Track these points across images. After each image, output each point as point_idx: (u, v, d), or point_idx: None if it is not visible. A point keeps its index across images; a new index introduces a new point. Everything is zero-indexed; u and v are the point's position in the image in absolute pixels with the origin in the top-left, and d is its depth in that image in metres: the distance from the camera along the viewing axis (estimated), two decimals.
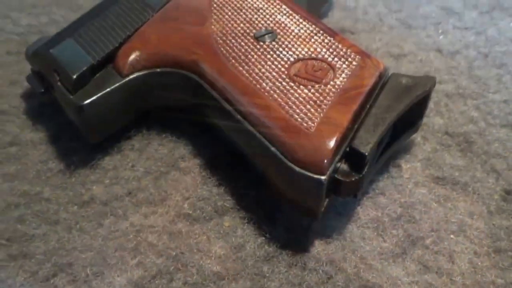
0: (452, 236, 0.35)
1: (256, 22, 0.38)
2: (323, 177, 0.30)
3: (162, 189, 0.37)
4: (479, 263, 0.33)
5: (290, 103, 0.33)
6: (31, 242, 0.34)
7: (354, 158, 0.32)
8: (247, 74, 0.35)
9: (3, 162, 0.38)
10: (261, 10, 0.39)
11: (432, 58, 0.47)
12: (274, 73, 0.35)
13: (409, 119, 0.37)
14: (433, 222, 0.35)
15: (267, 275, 0.33)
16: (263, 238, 0.34)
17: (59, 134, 0.39)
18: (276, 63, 0.35)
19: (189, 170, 0.38)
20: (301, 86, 0.34)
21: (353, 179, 0.31)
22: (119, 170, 0.38)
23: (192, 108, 0.38)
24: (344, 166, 0.32)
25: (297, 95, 0.33)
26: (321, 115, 0.32)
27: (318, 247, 0.34)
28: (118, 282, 0.32)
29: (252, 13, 0.39)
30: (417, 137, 0.40)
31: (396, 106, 0.34)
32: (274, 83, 0.34)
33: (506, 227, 0.35)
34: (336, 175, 0.31)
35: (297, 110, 0.33)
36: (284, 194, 0.33)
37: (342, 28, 0.49)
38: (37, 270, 0.32)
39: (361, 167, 0.32)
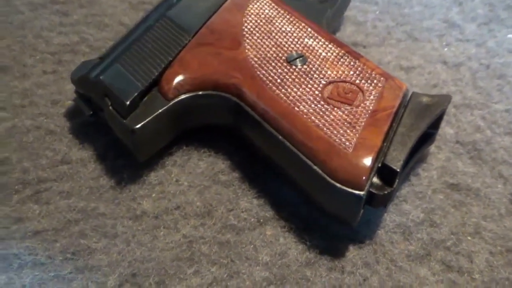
0: (469, 238, 0.39)
1: (286, 45, 0.42)
2: (362, 193, 0.34)
3: (207, 202, 0.40)
4: (495, 262, 0.38)
5: (327, 124, 0.37)
6: (94, 255, 0.37)
7: (386, 173, 0.36)
8: (284, 97, 0.38)
9: (57, 180, 0.41)
10: (289, 34, 0.43)
11: (439, 70, 0.51)
12: (310, 96, 0.38)
13: (427, 131, 0.41)
14: (452, 225, 0.40)
15: (311, 279, 0.36)
16: (303, 245, 0.38)
17: (106, 152, 0.42)
18: (309, 86, 0.39)
19: (229, 184, 0.41)
20: (335, 108, 0.38)
21: (385, 192, 0.36)
22: (165, 185, 0.41)
23: (231, 128, 0.42)
24: (376, 181, 0.36)
25: (332, 117, 0.37)
26: (357, 135, 0.36)
27: (353, 252, 0.38)
28: None
29: (282, 37, 0.42)
30: (432, 147, 0.44)
31: (419, 125, 0.38)
32: (310, 106, 0.38)
33: None
34: (371, 190, 0.35)
35: (335, 132, 0.36)
36: (323, 207, 0.37)
37: (355, 42, 0.53)
38: (105, 281, 0.36)
39: (392, 181, 0.36)
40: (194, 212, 0.39)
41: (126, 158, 0.42)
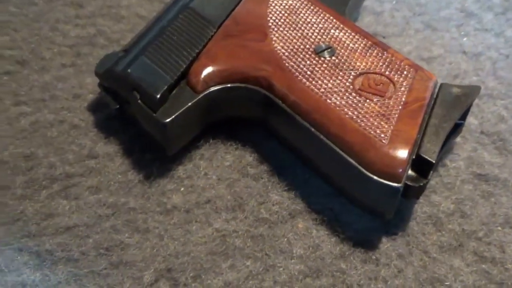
0: (499, 228, 0.39)
1: (313, 37, 0.41)
2: (399, 185, 0.34)
3: (237, 195, 0.40)
4: None
5: (361, 116, 0.37)
6: (127, 250, 0.37)
7: (421, 165, 0.36)
8: (316, 90, 0.38)
9: (85, 175, 0.40)
10: (315, 25, 0.42)
11: (459, 60, 0.51)
12: (341, 88, 0.38)
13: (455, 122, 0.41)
14: (482, 216, 0.40)
15: (346, 271, 0.36)
16: (336, 237, 0.38)
17: (132, 146, 0.42)
18: (340, 77, 0.39)
19: (258, 177, 0.41)
20: (368, 100, 0.38)
21: (421, 184, 0.36)
22: (194, 179, 0.41)
23: (259, 120, 0.41)
24: (411, 173, 0.36)
25: (365, 109, 0.37)
26: (391, 127, 0.36)
27: (386, 244, 0.38)
28: (215, 284, 0.36)
29: (308, 28, 0.42)
30: (457, 137, 0.44)
31: (451, 116, 0.38)
32: (343, 98, 0.38)
33: None
34: (406, 182, 0.35)
35: (369, 124, 0.36)
36: (357, 199, 0.37)
37: (374, 33, 0.53)
38: (141, 276, 0.36)
39: (427, 173, 0.36)
40: (224, 205, 0.39)
41: (152, 151, 0.42)
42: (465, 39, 0.53)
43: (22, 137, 0.42)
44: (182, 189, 0.40)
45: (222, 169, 0.41)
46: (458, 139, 0.44)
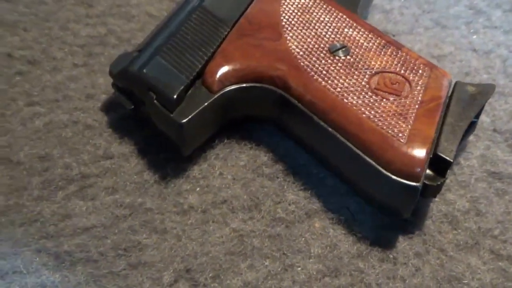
0: None
1: (327, 36, 0.41)
2: (418, 184, 0.34)
3: (253, 195, 0.40)
4: None
5: (378, 116, 0.37)
6: (146, 251, 0.37)
7: (439, 164, 0.36)
8: (332, 89, 0.38)
9: (101, 175, 0.40)
10: (328, 24, 0.42)
11: (469, 58, 0.51)
12: (357, 87, 0.38)
13: None
14: (497, 214, 0.40)
15: (364, 270, 0.37)
16: (353, 236, 0.38)
17: (146, 146, 0.42)
18: (355, 77, 0.39)
19: (274, 176, 0.41)
20: (384, 99, 0.38)
21: (438, 182, 0.36)
22: (209, 179, 0.41)
23: (274, 119, 0.41)
24: (429, 172, 0.36)
25: (382, 108, 0.37)
26: (409, 127, 0.36)
27: (403, 243, 0.38)
28: (235, 285, 0.36)
29: (321, 27, 0.42)
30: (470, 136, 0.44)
31: (468, 114, 0.38)
32: (359, 97, 0.38)
33: None
34: (425, 181, 0.35)
35: (386, 123, 0.36)
36: (375, 198, 0.37)
37: (385, 31, 0.53)
38: (160, 277, 0.36)
39: (444, 172, 0.36)
40: (241, 205, 0.39)
41: (167, 152, 0.42)
42: (474, 36, 0.53)
43: (37, 137, 0.42)
44: (198, 189, 0.40)
45: (237, 169, 0.41)
46: (471, 137, 0.44)
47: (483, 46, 0.52)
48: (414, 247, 0.38)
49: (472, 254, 0.38)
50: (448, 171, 0.36)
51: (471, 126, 0.42)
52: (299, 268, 0.36)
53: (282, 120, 0.41)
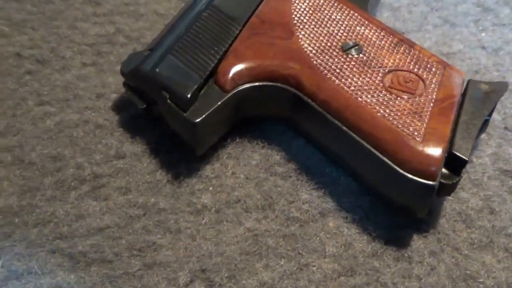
0: None
1: (339, 34, 0.41)
2: (434, 183, 0.34)
3: (266, 194, 0.40)
4: None
5: (393, 114, 0.37)
6: (160, 251, 0.37)
7: (454, 162, 0.36)
8: (346, 88, 0.38)
9: (113, 175, 0.40)
10: (340, 22, 0.42)
11: (479, 56, 0.51)
12: (371, 86, 0.38)
13: None
14: (511, 212, 0.40)
15: (380, 269, 0.37)
16: (368, 236, 0.38)
17: (158, 146, 0.42)
18: (369, 75, 0.39)
19: (286, 175, 0.41)
20: (399, 98, 0.37)
21: (454, 181, 0.36)
22: (222, 178, 0.41)
23: (288, 118, 0.41)
24: (444, 171, 0.36)
25: (397, 107, 0.37)
26: (424, 125, 0.36)
27: (418, 241, 0.38)
28: (250, 285, 0.36)
29: (333, 25, 0.42)
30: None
31: (481, 112, 0.38)
32: (373, 95, 0.38)
33: None
34: (441, 180, 0.35)
35: (401, 121, 0.36)
36: (390, 197, 0.37)
37: (394, 28, 0.52)
38: (176, 277, 0.36)
39: (460, 170, 0.36)
40: (254, 205, 0.39)
41: (179, 151, 0.42)
42: (483, 34, 0.53)
43: (48, 137, 0.42)
44: (210, 188, 0.40)
45: (249, 168, 0.41)
46: (483, 135, 0.44)
47: (492, 44, 0.52)
48: (429, 246, 0.38)
49: (487, 252, 0.38)
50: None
51: (484, 124, 0.42)
52: (315, 268, 0.36)
53: (295, 118, 0.41)
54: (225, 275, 0.36)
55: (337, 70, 0.39)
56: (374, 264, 0.37)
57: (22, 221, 0.37)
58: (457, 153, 0.35)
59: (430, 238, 0.38)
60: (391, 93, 0.38)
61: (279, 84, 0.39)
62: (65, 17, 0.51)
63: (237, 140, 0.43)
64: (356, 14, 0.43)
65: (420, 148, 0.35)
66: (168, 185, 0.40)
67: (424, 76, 0.39)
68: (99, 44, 0.49)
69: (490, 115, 0.42)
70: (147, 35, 0.50)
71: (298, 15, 0.42)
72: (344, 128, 0.37)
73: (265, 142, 0.43)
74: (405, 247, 0.38)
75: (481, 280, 0.36)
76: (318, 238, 0.38)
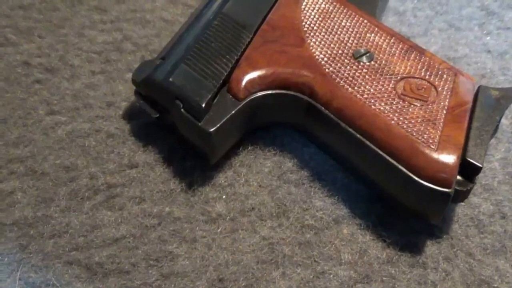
0: None
1: (350, 41, 0.41)
2: (450, 190, 0.35)
3: (280, 202, 0.40)
4: None
5: (406, 122, 0.37)
6: (177, 260, 0.37)
7: (468, 169, 0.36)
8: (359, 95, 0.38)
9: (127, 185, 0.40)
10: (350, 29, 0.42)
11: (484, 60, 0.51)
12: (384, 93, 0.38)
13: None
14: None
15: (395, 276, 0.37)
16: (382, 242, 0.38)
17: (171, 154, 0.42)
18: (381, 83, 0.39)
19: (299, 182, 0.41)
20: (412, 105, 0.38)
21: (468, 187, 0.36)
22: (235, 186, 0.41)
23: (300, 126, 0.41)
24: (458, 177, 0.36)
25: (410, 114, 0.37)
26: (439, 133, 0.36)
27: (432, 247, 0.38)
28: None
29: (344, 32, 0.42)
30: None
31: (493, 118, 0.38)
32: (386, 103, 0.38)
33: None
34: (456, 187, 0.36)
35: (415, 129, 0.36)
36: (404, 205, 0.38)
37: (400, 33, 0.53)
38: (194, 287, 0.36)
39: (474, 177, 0.36)
40: (269, 213, 0.39)
41: (192, 159, 0.42)
42: (488, 38, 0.54)
43: (60, 147, 0.42)
44: (224, 196, 0.40)
45: (262, 176, 0.41)
46: (492, 140, 0.45)
47: (497, 48, 0.52)
48: (443, 252, 0.38)
49: (500, 257, 0.38)
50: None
51: (495, 130, 0.42)
52: (331, 275, 0.37)
53: (307, 126, 0.41)
54: (243, 284, 0.36)
55: (350, 78, 0.39)
56: (389, 271, 0.37)
57: (37, 233, 0.37)
58: (471, 160, 0.36)
59: (444, 243, 0.39)
60: (404, 101, 0.38)
61: (292, 92, 0.40)
62: (72, 24, 0.51)
63: (249, 147, 0.43)
64: (365, 21, 0.43)
65: (436, 156, 0.35)
66: (182, 194, 0.40)
67: (436, 83, 0.39)
68: (107, 52, 0.49)
69: (499, 120, 0.42)
70: (155, 42, 0.49)
71: (308, 22, 0.42)
72: (358, 136, 0.37)
73: (277, 149, 0.43)
74: (419, 253, 0.38)
75: (496, 285, 0.37)
76: (333, 246, 0.38)
